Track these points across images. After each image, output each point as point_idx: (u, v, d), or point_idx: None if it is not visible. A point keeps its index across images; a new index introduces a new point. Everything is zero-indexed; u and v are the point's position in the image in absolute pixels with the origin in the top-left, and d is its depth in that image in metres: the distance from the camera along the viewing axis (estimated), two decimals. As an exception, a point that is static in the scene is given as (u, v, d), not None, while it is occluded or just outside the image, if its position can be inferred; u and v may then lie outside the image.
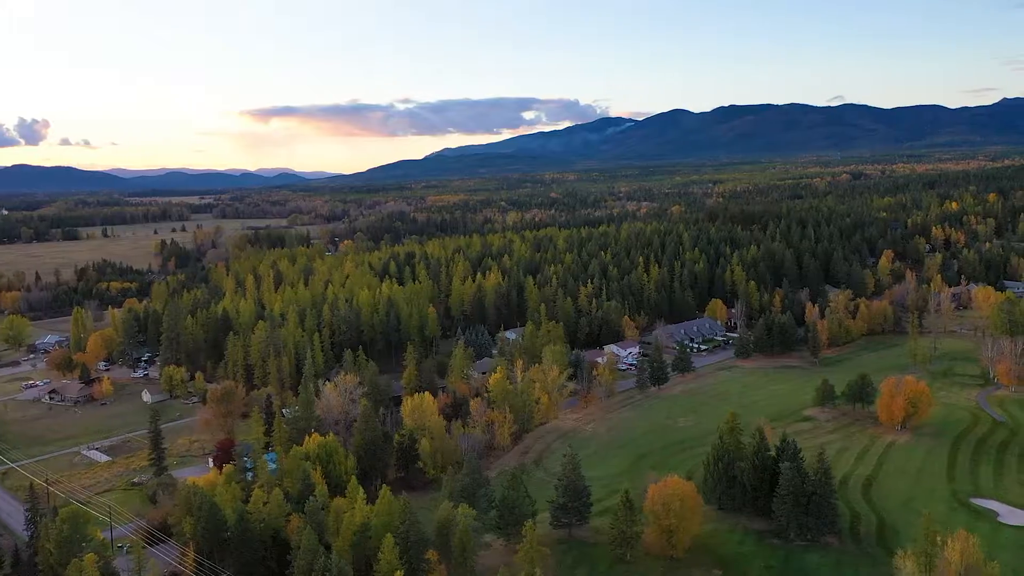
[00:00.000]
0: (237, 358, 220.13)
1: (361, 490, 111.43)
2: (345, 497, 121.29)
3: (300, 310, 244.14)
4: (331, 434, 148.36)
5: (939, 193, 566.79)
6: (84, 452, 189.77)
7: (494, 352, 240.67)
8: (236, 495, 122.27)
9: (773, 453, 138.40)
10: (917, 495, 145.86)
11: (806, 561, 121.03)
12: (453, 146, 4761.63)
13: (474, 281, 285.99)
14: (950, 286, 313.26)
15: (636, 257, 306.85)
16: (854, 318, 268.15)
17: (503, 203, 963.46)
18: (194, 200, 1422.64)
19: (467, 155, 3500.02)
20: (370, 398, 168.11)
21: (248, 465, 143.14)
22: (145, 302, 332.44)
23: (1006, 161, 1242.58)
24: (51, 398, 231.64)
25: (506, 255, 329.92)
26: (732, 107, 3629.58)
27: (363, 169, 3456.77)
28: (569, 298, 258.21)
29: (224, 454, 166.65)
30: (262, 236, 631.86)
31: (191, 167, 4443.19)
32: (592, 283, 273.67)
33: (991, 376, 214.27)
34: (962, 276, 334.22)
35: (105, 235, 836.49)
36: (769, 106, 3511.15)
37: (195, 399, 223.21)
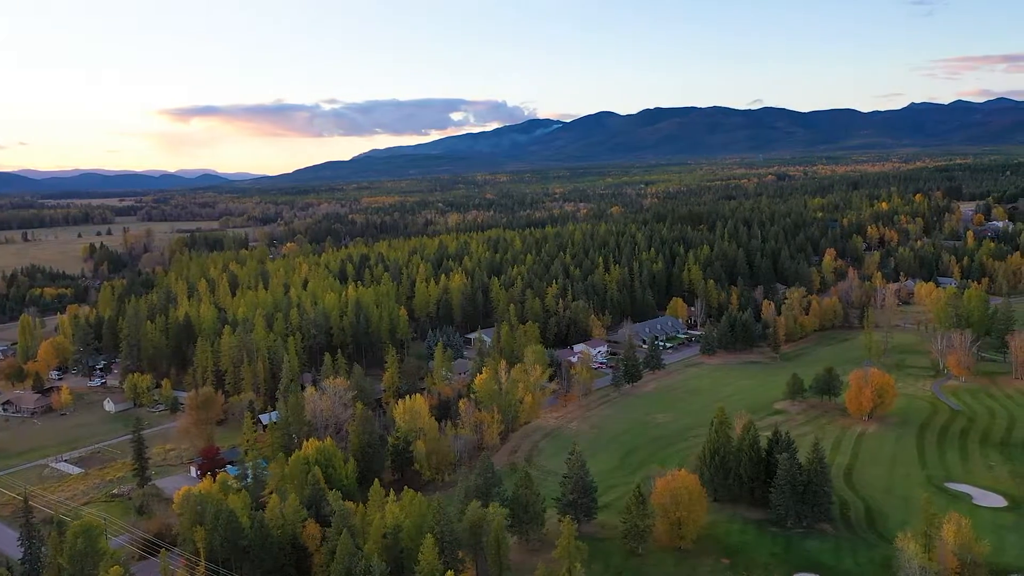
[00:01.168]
0: (206, 364, 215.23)
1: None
2: (349, 501, 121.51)
3: (267, 314, 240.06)
4: (329, 438, 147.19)
5: (868, 194, 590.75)
6: (52, 465, 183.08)
7: (465, 353, 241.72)
8: (247, 502, 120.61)
9: (765, 445, 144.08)
10: (895, 481, 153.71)
11: (807, 547, 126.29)
12: (381, 147, 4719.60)
13: (437, 283, 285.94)
14: (889, 283, 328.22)
15: (596, 258, 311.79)
16: (807, 314, 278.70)
17: (440, 204, 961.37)
18: (114, 202, 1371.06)
19: (396, 156, 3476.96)
20: (358, 401, 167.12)
21: (248, 472, 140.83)
22: (89, 308, 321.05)
23: (918, 163, 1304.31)
24: (5, 409, 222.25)
25: (465, 256, 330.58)
26: (657, 109, 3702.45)
27: (289, 170, 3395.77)
28: (537, 299, 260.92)
29: (209, 462, 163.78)
30: (198, 239, 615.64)
31: (107, 168, 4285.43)
32: (557, 284, 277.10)
33: (941, 367, 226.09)
34: (900, 273, 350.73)
35: (26, 239, 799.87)
36: (693, 109, 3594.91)
37: (162, 407, 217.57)
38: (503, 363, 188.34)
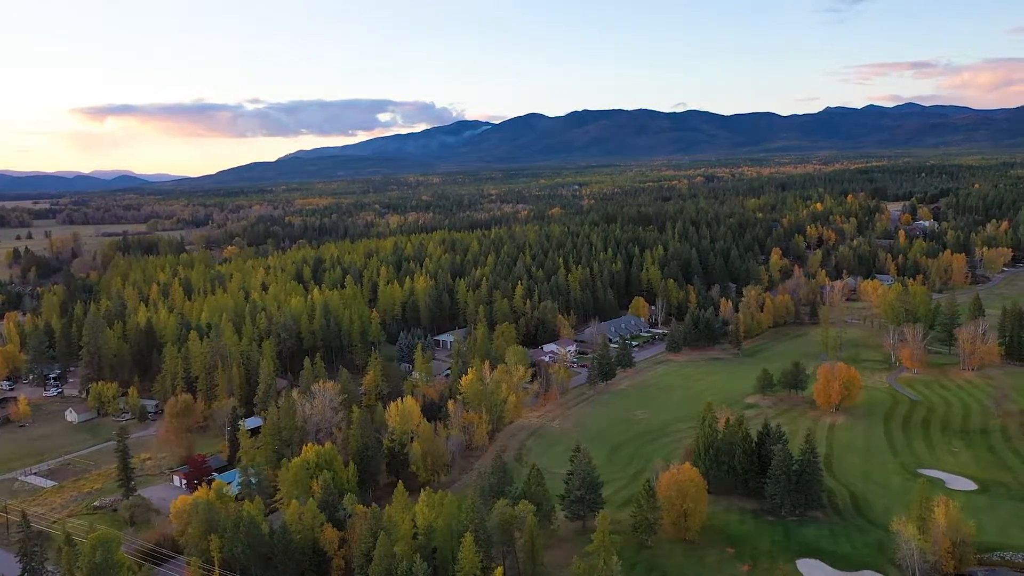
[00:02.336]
0: (176, 371, 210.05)
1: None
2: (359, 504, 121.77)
3: (232, 319, 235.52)
4: (329, 443, 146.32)
5: (799, 195, 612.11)
6: (22, 478, 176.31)
7: (436, 355, 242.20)
8: (261, 509, 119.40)
9: (755, 438, 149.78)
10: (872, 469, 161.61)
11: (805, 535, 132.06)
12: (307, 148, 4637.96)
13: (401, 285, 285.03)
14: (832, 280, 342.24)
15: (556, 258, 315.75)
16: (762, 312, 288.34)
17: (377, 206, 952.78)
18: (28, 204, 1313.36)
19: (323, 157, 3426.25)
20: (353, 404, 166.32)
21: (251, 479, 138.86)
22: (31, 315, 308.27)
23: (837, 165, 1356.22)
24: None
25: (426, 258, 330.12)
26: (585, 112, 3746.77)
27: (212, 171, 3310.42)
28: (505, 300, 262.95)
29: (197, 470, 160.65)
30: (131, 243, 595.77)
31: (15, 169, 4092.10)
32: (522, 284, 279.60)
33: (894, 360, 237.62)
34: (842, 271, 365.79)
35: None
36: (619, 111, 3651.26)
37: (128, 416, 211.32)
38: (487, 364, 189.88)
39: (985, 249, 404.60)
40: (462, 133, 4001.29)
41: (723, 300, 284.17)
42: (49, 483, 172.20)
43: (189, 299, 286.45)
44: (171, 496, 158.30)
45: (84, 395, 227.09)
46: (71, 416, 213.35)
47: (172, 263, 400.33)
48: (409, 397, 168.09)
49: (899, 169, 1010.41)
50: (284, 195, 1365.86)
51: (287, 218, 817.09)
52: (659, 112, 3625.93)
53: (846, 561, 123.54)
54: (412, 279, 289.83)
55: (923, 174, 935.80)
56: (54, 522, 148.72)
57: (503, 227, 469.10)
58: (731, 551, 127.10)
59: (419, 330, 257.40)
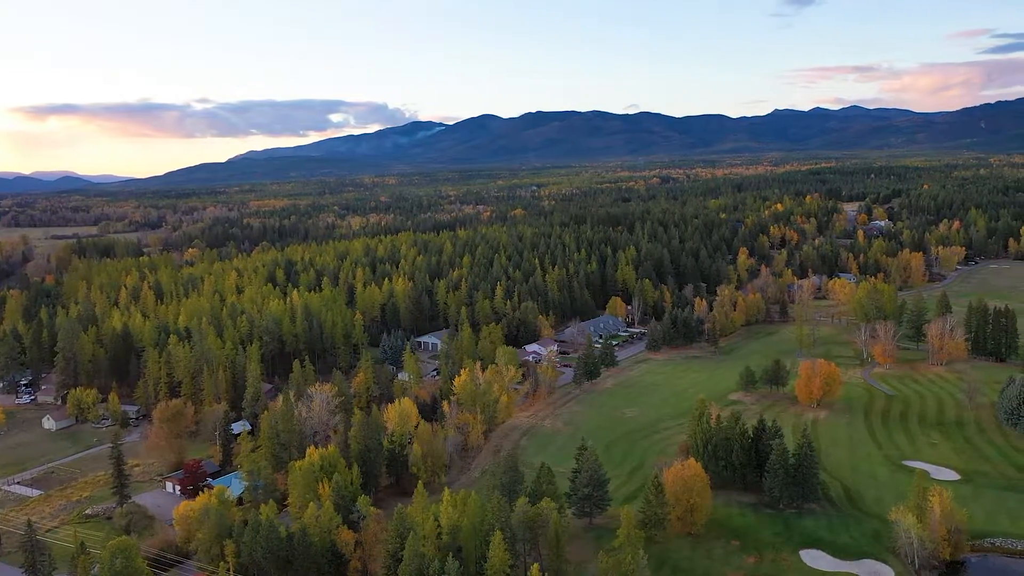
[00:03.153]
0: (159, 376, 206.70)
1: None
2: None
3: (214, 323, 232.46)
4: (332, 446, 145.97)
5: (757, 195, 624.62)
6: (6, 488, 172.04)
7: (421, 356, 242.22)
8: (275, 512, 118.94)
9: (751, 433, 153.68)
10: (858, 462, 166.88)
11: (804, 526, 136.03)
12: (258, 148, 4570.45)
13: (380, 287, 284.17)
14: (798, 279, 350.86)
15: (531, 259, 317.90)
16: (735, 310, 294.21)
17: (336, 208, 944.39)
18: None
19: (275, 158, 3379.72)
20: (355, 407, 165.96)
21: (258, 484, 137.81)
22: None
23: (788, 166, 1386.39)
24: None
25: (401, 259, 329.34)
26: (539, 113, 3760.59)
27: (160, 172, 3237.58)
28: (487, 300, 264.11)
29: (192, 476, 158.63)
30: (87, 246, 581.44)
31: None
32: (501, 285, 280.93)
33: (866, 356, 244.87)
34: (807, 269, 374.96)
35: None
36: (573, 113, 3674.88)
37: (108, 422, 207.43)
38: (478, 364, 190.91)
39: (940, 248, 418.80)
40: (415, 134, 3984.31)
41: (697, 299, 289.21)
42: (35, 492, 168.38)
43: (161, 302, 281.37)
44: (166, 503, 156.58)
45: (60, 402, 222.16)
46: (48, 423, 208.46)
47: (134, 266, 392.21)
48: (407, 399, 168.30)
49: (848, 171, 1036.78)
50: (238, 196, 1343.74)
51: (245, 220, 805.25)
52: (612, 114, 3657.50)
53: (846, 551, 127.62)
54: (390, 281, 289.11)
55: (872, 175, 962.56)
56: (47, 531, 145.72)
57: (469, 228, 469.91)
58: (736, 544, 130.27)
59: (400, 332, 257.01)
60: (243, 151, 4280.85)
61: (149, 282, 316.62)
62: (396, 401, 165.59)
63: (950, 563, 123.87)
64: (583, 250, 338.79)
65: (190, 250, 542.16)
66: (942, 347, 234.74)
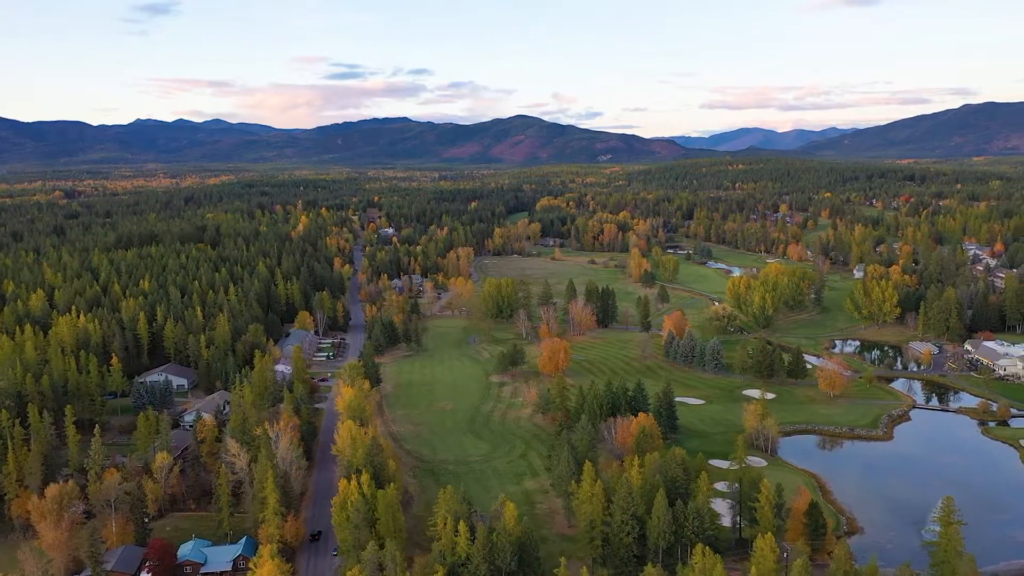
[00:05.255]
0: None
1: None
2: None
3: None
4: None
5: (229, 207, 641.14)
6: None
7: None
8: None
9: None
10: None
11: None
12: None
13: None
14: (390, 279, 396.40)
15: (196, 285, 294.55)
16: (401, 314, 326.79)
17: None
18: None
19: None
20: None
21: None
22: None
23: (215, 179, 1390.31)
24: None
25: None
26: None
27: None
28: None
29: (166, 556, 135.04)
30: None
31: None
32: (200, 311, 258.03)
33: (526, 335, 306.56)
34: (379, 272, 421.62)
35: None
36: None
37: None
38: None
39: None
40: None
41: (370, 305, 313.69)
42: None
43: None
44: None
45: None
46: None
47: None
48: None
49: (278, 183, 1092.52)
50: None
51: None
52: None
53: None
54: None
55: (302, 187, 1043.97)
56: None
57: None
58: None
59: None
60: None
61: None
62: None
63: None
64: (223, 270, 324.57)
65: None
66: (582, 321, 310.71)
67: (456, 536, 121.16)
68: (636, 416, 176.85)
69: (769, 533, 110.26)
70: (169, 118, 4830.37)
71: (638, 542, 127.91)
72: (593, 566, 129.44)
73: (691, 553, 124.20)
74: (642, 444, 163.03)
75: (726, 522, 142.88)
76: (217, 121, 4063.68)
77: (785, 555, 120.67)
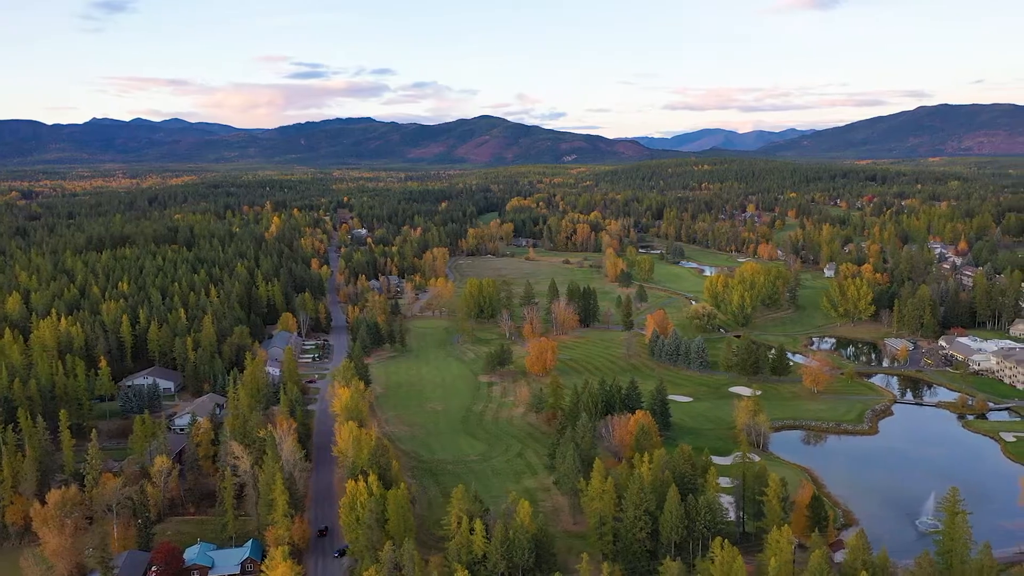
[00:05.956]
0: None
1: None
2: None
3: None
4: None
5: (199, 207, 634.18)
6: None
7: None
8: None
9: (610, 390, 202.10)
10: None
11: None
12: None
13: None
14: (370, 280, 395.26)
15: (177, 287, 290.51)
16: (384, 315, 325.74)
17: None
18: None
19: None
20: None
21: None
22: None
23: (178, 179, 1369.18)
24: None
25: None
26: None
27: None
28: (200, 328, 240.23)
29: (173, 560, 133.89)
30: None
31: None
32: (185, 313, 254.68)
33: (515, 337, 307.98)
34: (357, 273, 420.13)
35: None
36: None
37: None
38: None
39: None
40: None
41: (351, 307, 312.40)
42: None
43: None
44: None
45: None
46: None
47: None
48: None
49: (243, 183, 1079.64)
50: None
51: None
52: None
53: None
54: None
55: (268, 187, 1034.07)
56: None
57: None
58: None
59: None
60: None
61: None
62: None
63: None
64: (202, 272, 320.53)
65: None
66: (564, 321, 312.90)
67: (472, 535, 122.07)
68: (632, 414, 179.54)
69: (786, 525, 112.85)
70: (126, 117, 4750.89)
71: (650, 537, 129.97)
72: (604, 561, 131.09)
73: (703, 547, 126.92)
74: (642, 441, 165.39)
75: (729, 517, 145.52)
76: (176, 120, 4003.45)
77: (793, 548, 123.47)
